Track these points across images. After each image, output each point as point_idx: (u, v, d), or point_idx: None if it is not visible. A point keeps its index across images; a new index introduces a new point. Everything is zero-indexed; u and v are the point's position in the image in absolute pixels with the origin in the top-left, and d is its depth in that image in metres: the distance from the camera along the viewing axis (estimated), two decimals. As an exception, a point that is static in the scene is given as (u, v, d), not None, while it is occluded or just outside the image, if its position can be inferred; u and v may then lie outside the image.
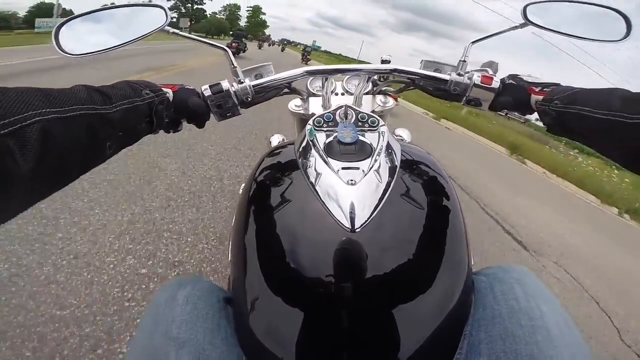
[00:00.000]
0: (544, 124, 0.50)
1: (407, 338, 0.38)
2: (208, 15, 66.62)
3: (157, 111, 0.45)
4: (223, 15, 74.38)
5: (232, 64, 0.58)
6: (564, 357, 0.35)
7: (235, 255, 0.48)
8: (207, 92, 0.55)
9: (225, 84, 0.55)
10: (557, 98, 0.46)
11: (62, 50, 0.48)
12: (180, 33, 0.56)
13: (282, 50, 39.77)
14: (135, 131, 0.43)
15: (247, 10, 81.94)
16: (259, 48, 29.88)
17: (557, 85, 0.51)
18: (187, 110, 0.53)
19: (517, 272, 0.47)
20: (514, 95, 0.55)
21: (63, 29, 0.48)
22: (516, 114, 0.60)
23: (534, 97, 0.52)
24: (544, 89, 0.51)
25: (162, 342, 0.38)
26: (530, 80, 0.55)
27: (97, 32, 0.50)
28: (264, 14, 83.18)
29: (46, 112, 0.28)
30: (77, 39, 0.49)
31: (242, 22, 75.47)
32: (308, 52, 22.71)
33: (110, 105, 0.37)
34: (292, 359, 0.37)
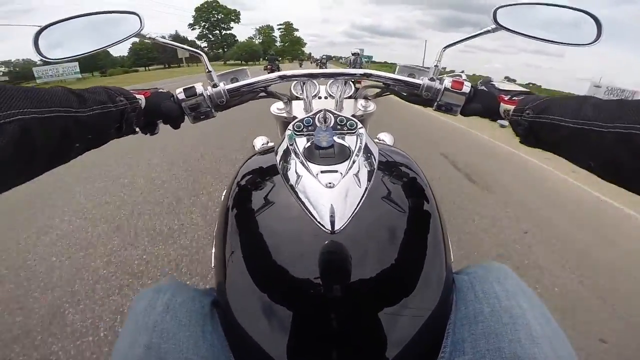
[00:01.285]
0: (517, 135, 0.50)
1: (391, 337, 0.38)
2: (239, 41, 64.45)
3: (127, 118, 0.47)
4: (259, 38, 71.64)
5: (207, 69, 0.60)
6: (546, 352, 0.36)
7: (219, 260, 0.49)
8: (181, 96, 0.56)
9: (199, 88, 0.57)
10: (529, 108, 0.46)
11: (41, 55, 0.51)
12: (158, 39, 0.59)
13: (300, 65, 40.36)
14: (104, 135, 0.45)
15: (279, 29, 77.01)
16: (300, 66, 32.18)
17: (528, 93, 0.50)
18: (160, 114, 0.55)
19: (496, 270, 0.48)
20: (483, 102, 0.55)
21: (43, 34, 0.51)
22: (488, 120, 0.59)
23: (503, 106, 0.52)
24: (513, 98, 0.50)
25: (143, 353, 0.37)
26: (502, 88, 0.54)
27: (75, 38, 0.53)
28: (297, 29, 78.04)
29: (27, 111, 0.30)
30: (55, 44, 0.52)
31: (278, 44, 71.74)
32: (323, 63, 22.88)
33: (85, 109, 0.39)
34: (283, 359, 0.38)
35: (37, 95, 0.33)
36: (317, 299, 0.40)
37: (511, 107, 0.49)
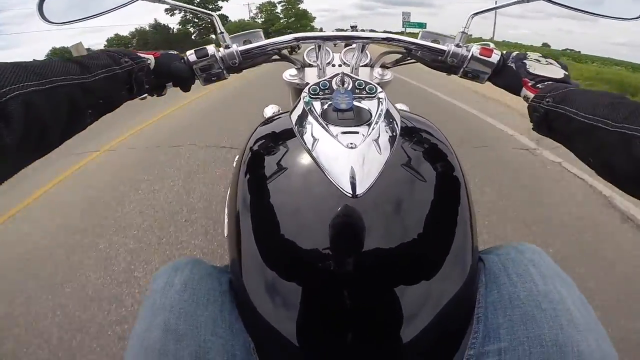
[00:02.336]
0: (531, 122, 0.48)
1: (411, 316, 0.36)
2: (231, 22, 52.12)
3: (136, 78, 0.46)
4: (260, 17, 59.68)
5: (220, 30, 0.56)
6: (589, 341, 0.34)
7: (233, 231, 0.46)
8: (192, 57, 0.54)
9: (211, 49, 0.54)
10: (550, 95, 0.43)
11: (46, 20, 0.48)
12: (166, 0, 0.55)
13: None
14: (115, 98, 0.44)
15: (280, 2, 62.29)
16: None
17: (555, 80, 0.47)
18: (169, 75, 0.53)
19: (530, 251, 0.45)
20: (506, 80, 0.53)
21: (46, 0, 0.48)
22: None
23: (525, 91, 0.49)
24: (538, 85, 0.47)
25: (160, 335, 0.36)
26: (531, 71, 0.50)
27: (79, 2, 0.50)
28: (301, 1, 62.66)
29: (25, 85, 0.29)
30: (60, 9, 0.49)
31: (282, 21, 59.72)
32: None
33: (89, 75, 0.38)
34: (298, 339, 0.36)
35: (34, 68, 0.31)
36: (336, 274, 0.38)
37: (531, 95, 0.47)
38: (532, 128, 0.48)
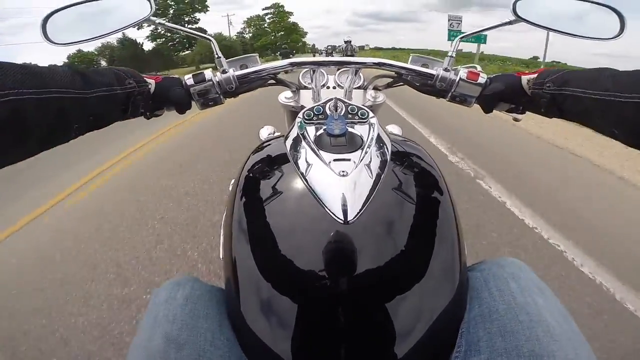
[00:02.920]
0: (539, 108, 0.49)
1: (403, 334, 0.37)
2: (229, 37, 47.33)
3: (134, 101, 0.46)
4: (248, 32, 53.55)
5: (217, 54, 0.58)
6: (567, 351, 0.35)
7: (227, 252, 0.48)
8: (190, 82, 0.55)
9: (208, 74, 0.56)
10: (549, 80, 0.45)
11: (49, 40, 0.50)
12: (166, 24, 0.57)
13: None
14: (107, 118, 0.44)
15: (266, 14, 54.16)
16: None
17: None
18: (168, 100, 0.54)
19: (510, 266, 0.47)
20: (504, 81, 0.54)
21: (50, 19, 0.50)
22: (504, 112, 0.58)
23: (525, 78, 0.50)
24: (533, 71, 0.50)
25: (162, 344, 0.37)
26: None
27: (83, 22, 0.52)
28: (290, 13, 55.32)
29: (21, 92, 0.29)
30: (63, 28, 0.51)
31: (269, 36, 53.57)
32: (330, 53, 21.77)
33: (88, 90, 0.38)
34: (290, 356, 0.37)
35: (36, 74, 0.32)
36: (328, 294, 0.39)
37: (533, 76, 0.49)
38: (541, 113, 0.49)
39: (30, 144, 0.33)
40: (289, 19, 54.80)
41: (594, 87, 0.39)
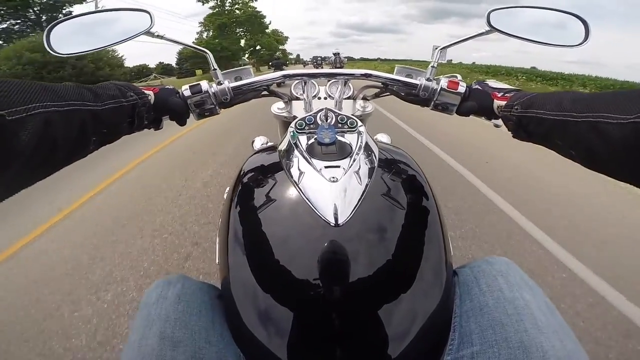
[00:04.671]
0: (509, 130, 0.52)
1: (396, 333, 0.38)
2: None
3: (139, 112, 0.48)
4: (207, 35, 39.06)
5: (213, 66, 0.61)
6: (553, 341, 0.36)
7: (224, 257, 0.49)
8: (187, 92, 0.58)
9: (204, 85, 0.58)
10: (517, 103, 0.48)
11: (53, 50, 0.52)
12: (165, 36, 0.60)
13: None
14: (118, 130, 0.46)
15: (214, 8, 39.50)
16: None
17: (518, 91, 0.53)
18: (167, 109, 0.56)
19: (499, 264, 0.49)
20: (478, 101, 0.57)
21: (54, 30, 0.52)
22: (483, 118, 0.61)
23: (497, 102, 0.54)
24: (506, 95, 0.53)
25: (156, 343, 0.38)
26: (495, 86, 0.57)
27: (85, 34, 0.55)
28: (264, 17, 41.66)
29: (48, 105, 0.31)
30: (66, 39, 0.53)
31: (242, 43, 41.44)
32: (319, 64, 22.30)
33: (100, 103, 0.39)
34: (286, 354, 0.38)
35: (54, 90, 0.33)
36: (320, 297, 0.40)
37: (503, 103, 0.52)
38: (512, 136, 0.51)
39: (58, 158, 0.34)
40: (252, 4, 40.21)
41: (554, 108, 0.42)
